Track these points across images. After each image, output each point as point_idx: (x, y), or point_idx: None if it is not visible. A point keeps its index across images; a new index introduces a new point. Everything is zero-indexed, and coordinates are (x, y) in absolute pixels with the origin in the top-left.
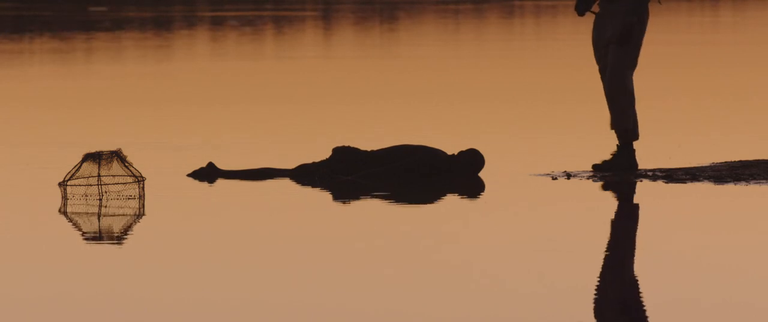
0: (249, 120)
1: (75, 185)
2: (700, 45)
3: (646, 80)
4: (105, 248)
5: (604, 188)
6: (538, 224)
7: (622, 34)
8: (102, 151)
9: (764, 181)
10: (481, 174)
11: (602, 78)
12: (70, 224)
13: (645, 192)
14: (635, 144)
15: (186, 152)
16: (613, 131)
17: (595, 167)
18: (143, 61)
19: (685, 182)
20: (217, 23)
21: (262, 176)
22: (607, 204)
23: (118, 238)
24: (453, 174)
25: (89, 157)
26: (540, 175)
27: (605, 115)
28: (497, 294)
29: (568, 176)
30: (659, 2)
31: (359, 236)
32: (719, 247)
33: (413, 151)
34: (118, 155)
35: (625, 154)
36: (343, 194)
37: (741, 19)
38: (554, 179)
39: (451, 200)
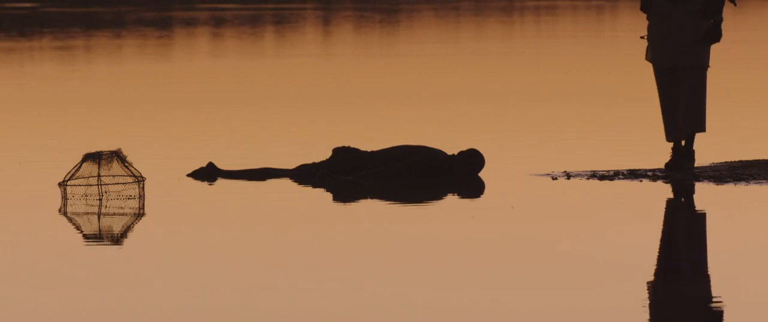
0: (249, 120)
1: (75, 185)
2: None
3: (646, 80)
4: (105, 248)
5: (604, 188)
6: (537, 224)
7: (712, 33)
8: (102, 151)
9: (764, 181)
10: (481, 174)
11: (665, 77)
12: (70, 224)
13: (645, 192)
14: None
15: (186, 152)
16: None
17: (668, 166)
18: (143, 61)
19: (685, 182)
20: (217, 23)
21: (262, 176)
22: (607, 204)
23: (118, 238)
24: (453, 174)
25: (89, 157)
26: (540, 175)
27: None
28: (497, 294)
29: (568, 176)
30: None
31: (359, 236)
32: (719, 247)
33: (413, 151)
34: (118, 155)
35: (688, 152)
36: (343, 194)
37: (741, 18)
38: (554, 179)
39: (451, 200)
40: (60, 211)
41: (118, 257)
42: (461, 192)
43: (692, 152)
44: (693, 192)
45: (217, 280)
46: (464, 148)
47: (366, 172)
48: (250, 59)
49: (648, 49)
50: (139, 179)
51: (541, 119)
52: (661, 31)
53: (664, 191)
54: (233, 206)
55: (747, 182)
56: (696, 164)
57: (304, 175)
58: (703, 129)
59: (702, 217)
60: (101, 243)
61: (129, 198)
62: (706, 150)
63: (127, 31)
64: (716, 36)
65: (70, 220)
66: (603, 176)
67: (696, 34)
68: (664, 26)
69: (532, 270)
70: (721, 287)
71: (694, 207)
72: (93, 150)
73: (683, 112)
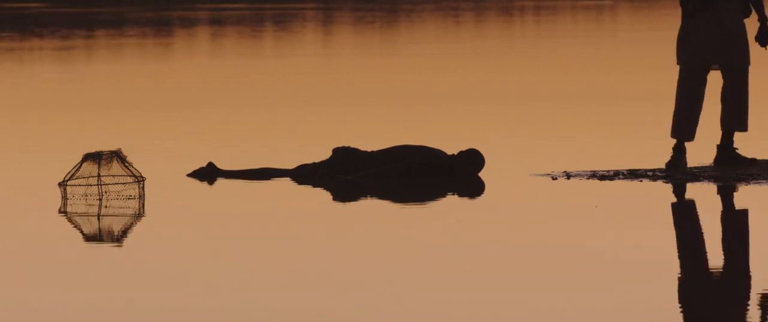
0: (249, 120)
1: (75, 185)
2: None
3: (646, 80)
4: (105, 249)
5: (604, 188)
6: (537, 224)
7: (762, 32)
8: (102, 151)
9: (764, 181)
10: (481, 174)
11: (696, 76)
12: (70, 224)
13: (645, 192)
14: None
15: (186, 152)
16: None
17: (668, 165)
18: (143, 61)
19: (685, 182)
20: (217, 22)
21: (262, 176)
22: (607, 204)
23: (118, 238)
24: (453, 174)
25: (89, 157)
26: (540, 175)
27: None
28: (497, 294)
29: (568, 176)
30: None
31: (359, 236)
32: (719, 247)
33: (413, 151)
34: (118, 155)
35: (728, 148)
36: (343, 194)
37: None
38: (554, 179)
39: (451, 200)
40: (60, 211)
41: (118, 257)
42: (461, 192)
43: (732, 147)
44: (693, 192)
45: (216, 280)
46: (464, 148)
47: (366, 172)
48: (250, 59)
49: (682, 50)
50: (139, 179)
51: (541, 119)
52: (706, 29)
53: (664, 191)
54: (233, 206)
55: (747, 182)
56: (696, 164)
57: (304, 175)
58: (745, 128)
59: (702, 217)
60: (101, 243)
61: (129, 198)
62: (707, 150)
63: (127, 31)
64: (766, 35)
65: (70, 220)
66: (603, 176)
67: (743, 32)
68: (711, 25)
69: (533, 270)
70: (720, 287)
71: (695, 207)
72: (93, 150)
73: (726, 109)
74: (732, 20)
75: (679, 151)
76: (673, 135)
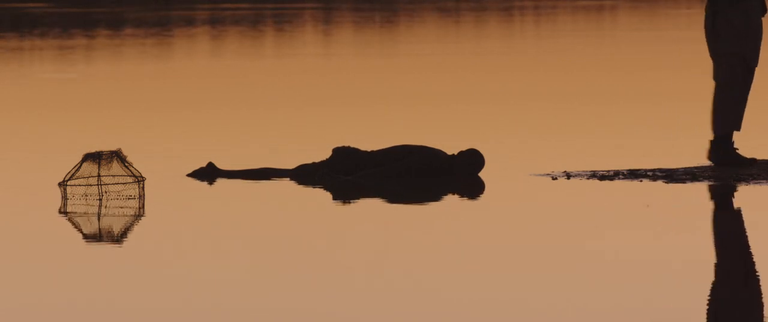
0: (249, 120)
1: (75, 185)
2: (698, 43)
3: (646, 80)
4: (105, 249)
5: (604, 188)
6: (537, 224)
7: None
8: (102, 151)
9: (764, 181)
10: (481, 174)
11: (723, 76)
12: (70, 224)
13: (645, 192)
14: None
15: (186, 152)
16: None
17: (716, 161)
18: (143, 61)
19: (685, 182)
20: (217, 22)
21: (262, 176)
22: (607, 204)
23: (118, 238)
24: (453, 174)
25: (89, 157)
26: (540, 175)
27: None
28: (496, 294)
29: (568, 176)
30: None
31: (359, 236)
32: (718, 247)
33: (413, 151)
34: (118, 155)
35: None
36: (343, 194)
37: None
38: (554, 179)
39: (451, 200)
40: (60, 211)
41: (118, 257)
42: (461, 192)
43: (732, 147)
44: (693, 192)
45: (216, 280)
46: (464, 148)
47: (366, 172)
48: (250, 59)
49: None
50: (139, 179)
51: (541, 119)
52: (736, 26)
53: (664, 191)
54: (233, 206)
55: (747, 182)
56: (696, 164)
57: (304, 175)
58: (739, 127)
59: (702, 217)
60: (101, 243)
61: (129, 198)
62: (706, 150)
63: (127, 31)
64: None
65: (70, 220)
66: (603, 176)
67: (762, 31)
68: (738, 22)
69: (533, 270)
70: (720, 287)
71: (695, 207)
72: (93, 150)
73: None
74: (757, 18)
75: (714, 145)
76: (736, 129)
